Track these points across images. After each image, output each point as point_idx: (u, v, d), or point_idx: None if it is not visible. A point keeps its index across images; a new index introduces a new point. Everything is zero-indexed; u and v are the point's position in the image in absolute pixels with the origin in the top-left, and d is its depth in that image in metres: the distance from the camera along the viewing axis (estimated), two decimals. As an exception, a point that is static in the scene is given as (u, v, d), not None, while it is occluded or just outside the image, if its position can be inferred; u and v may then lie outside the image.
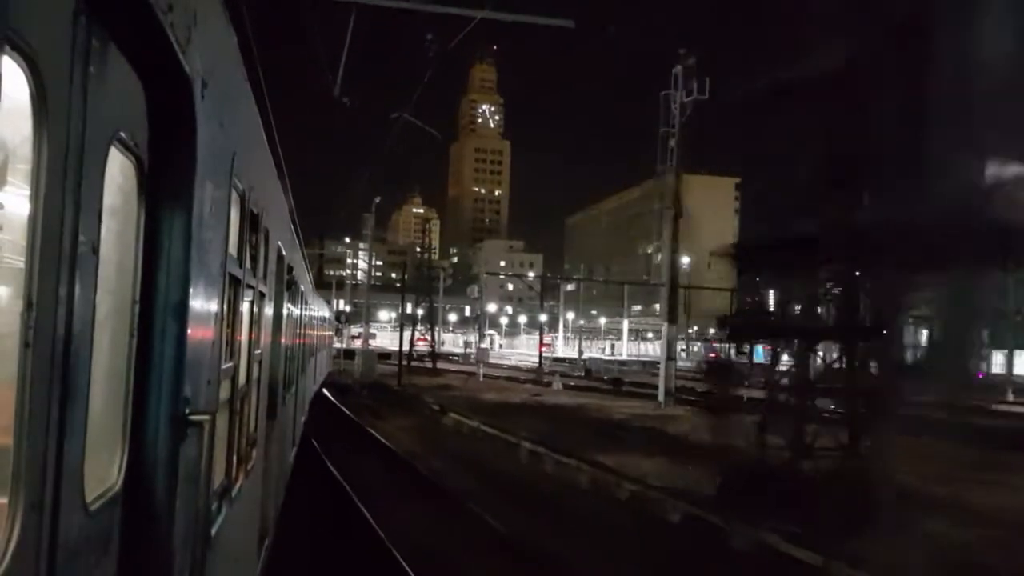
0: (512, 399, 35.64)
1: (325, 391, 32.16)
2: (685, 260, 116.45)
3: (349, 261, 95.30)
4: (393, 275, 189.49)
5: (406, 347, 53.93)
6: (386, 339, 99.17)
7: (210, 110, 2.54)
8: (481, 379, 49.61)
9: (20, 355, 1.39)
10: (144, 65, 2.04)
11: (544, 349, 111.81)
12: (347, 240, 75.04)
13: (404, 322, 54.67)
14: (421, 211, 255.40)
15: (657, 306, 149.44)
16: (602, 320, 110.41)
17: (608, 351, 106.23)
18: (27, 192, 1.41)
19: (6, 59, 1.22)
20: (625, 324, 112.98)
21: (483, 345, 62.03)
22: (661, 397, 32.89)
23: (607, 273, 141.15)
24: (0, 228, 1.38)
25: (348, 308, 79.72)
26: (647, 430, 23.50)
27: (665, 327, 33.34)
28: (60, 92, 1.50)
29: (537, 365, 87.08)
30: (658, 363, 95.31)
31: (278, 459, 7.79)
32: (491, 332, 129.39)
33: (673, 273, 33.70)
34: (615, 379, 49.46)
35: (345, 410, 29.58)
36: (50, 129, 1.44)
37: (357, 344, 70.20)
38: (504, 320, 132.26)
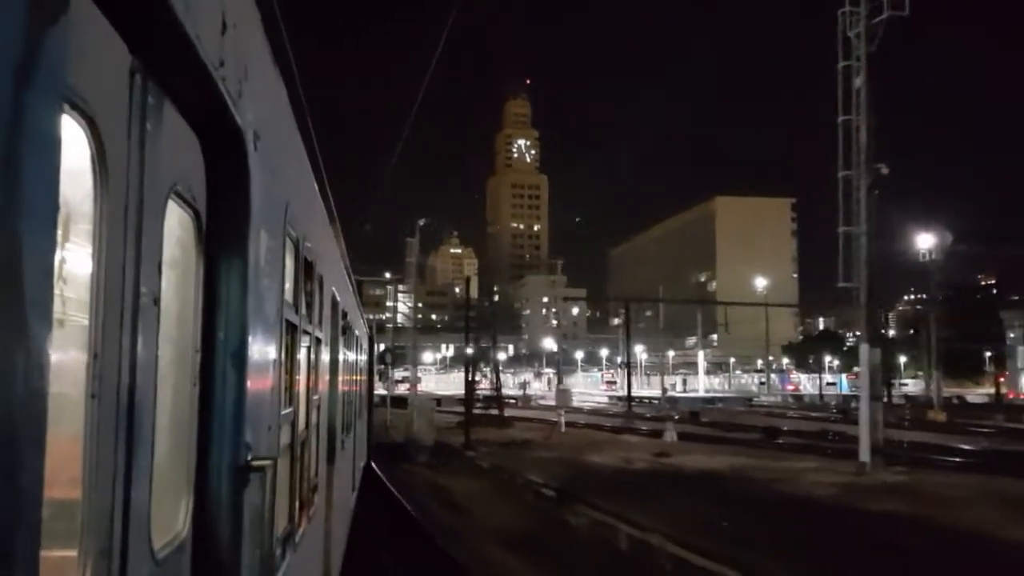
0: (631, 462, 25.48)
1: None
2: (761, 282, 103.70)
3: (388, 303, 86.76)
4: (433, 316, 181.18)
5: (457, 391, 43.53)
6: (431, 382, 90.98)
7: (263, 161, 2.58)
8: (563, 429, 38.17)
9: (87, 406, 1.42)
10: (198, 119, 2.08)
11: (609, 388, 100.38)
12: (387, 275, 65.22)
13: (469, 365, 43.39)
14: (459, 251, 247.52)
15: (715, 336, 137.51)
16: (671, 353, 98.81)
17: (680, 387, 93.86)
18: (90, 247, 1.46)
19: (66, 118, 1.25)
20: (701, 356, 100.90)
21: (563, 387, 50.49)
22: (866, 456, 21.07)
23: (654, 305, 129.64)
24: (65, 282, 1.39)
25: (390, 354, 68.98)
26: (927, 529, 14.60)
27: (865, 351, 21.73)
28: (118, 149, 1.55)
29: (608, 406, 75.83)
30: (749, 399, 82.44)
31: (340, 504, 7.75)
32: (548, 370, 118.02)
33: (870, 273, 21.98)
34: (769, 428, 37.72)
35: (401, 498, 18.12)
36: (110, 185, 1.49)
37: (402, 389, 59.30)
38: (559, 357, 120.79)
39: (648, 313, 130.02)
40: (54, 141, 1.07)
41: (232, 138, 2.25)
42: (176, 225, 2.00)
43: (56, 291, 1.13)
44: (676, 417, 56.87)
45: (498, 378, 49.45)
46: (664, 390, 76.47)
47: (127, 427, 1.59)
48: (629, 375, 58.71)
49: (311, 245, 4.31)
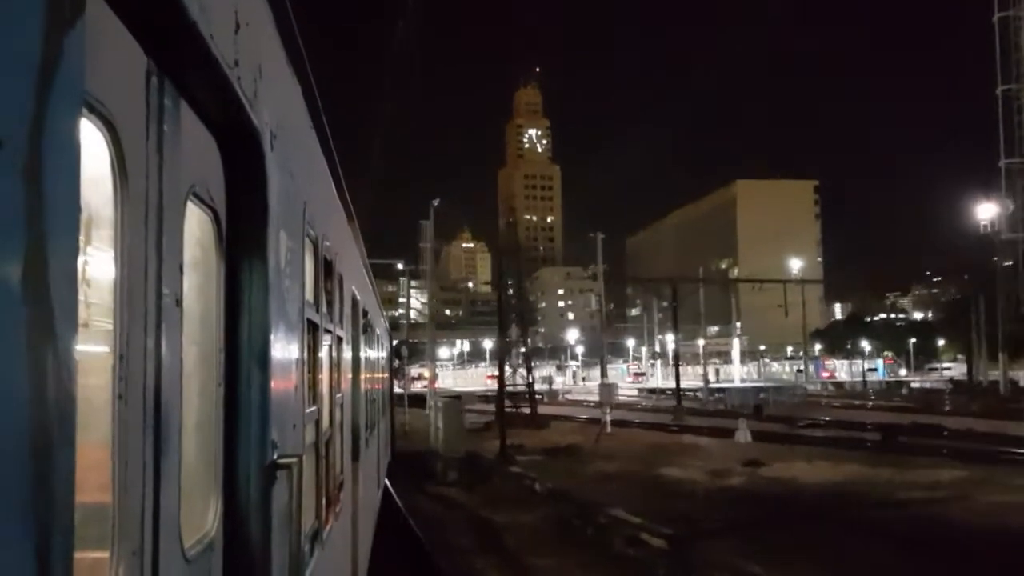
0: (722, 476, 20.63)
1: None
2: (796, 264, 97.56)
3: (401, 299, 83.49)
4: (447, 311, 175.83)
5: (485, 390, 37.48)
6: (448, 378, 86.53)
7: (280, 161, 2.56)
8: (609, 430, 32.34)
9: (113, 408, 1.43)
10: (214, 120, 2.08)
11: (636, 380, 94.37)
12: (399, 266, 60.15)
13: (502, 359, 37.28)
14: (471, 245, 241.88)
15: (739, 324, 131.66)
16: (700, 342, 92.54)
17: (713, 376, 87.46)
18: (111, 250, 1.47)
19: (84, 122, 1.26)
20: (736, 343, 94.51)
21: (609, 380, 44.42)
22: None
23: (674, 294, 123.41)
24: (88, 285, 1.40)
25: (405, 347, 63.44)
26: None
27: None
28: (137, 152, 1.55)
29: (639, 399, 70.02)
30: (804, 388, 75.71)
31: (365, 501, 7.70)
32: (571, 363, 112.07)
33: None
34: (886, 427, 31.39)
35: (433, 556, 12.08)
36: (129, 188, 1.49)
37: (419, 386, 53.49)
38: (580, 349, 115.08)
39: (666, 304, 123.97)
40: (74, 145, 1.07)
41: (249, 138, 2.24)
42: (196, 226, 2.00)
43: (80, 295, 1.12)
44: (718, 408, 50.86)
45: (530, 372, 43.42)
46: (706, 381, 70.25)
47: (154, 428, 1.59)
48: (677, 365, 51.61)
49: (330, 244, 4.32)
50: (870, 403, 54.88)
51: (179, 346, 1.76)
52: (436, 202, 54.25)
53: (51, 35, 0.96)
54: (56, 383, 0.97)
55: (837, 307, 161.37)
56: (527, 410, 40.13)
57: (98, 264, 1.44)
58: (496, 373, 50.00)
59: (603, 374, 46.96)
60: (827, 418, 39.38)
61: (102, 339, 1.44)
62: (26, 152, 0.91)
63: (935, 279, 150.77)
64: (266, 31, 2.54)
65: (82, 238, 1.20)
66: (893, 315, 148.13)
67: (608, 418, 34.97)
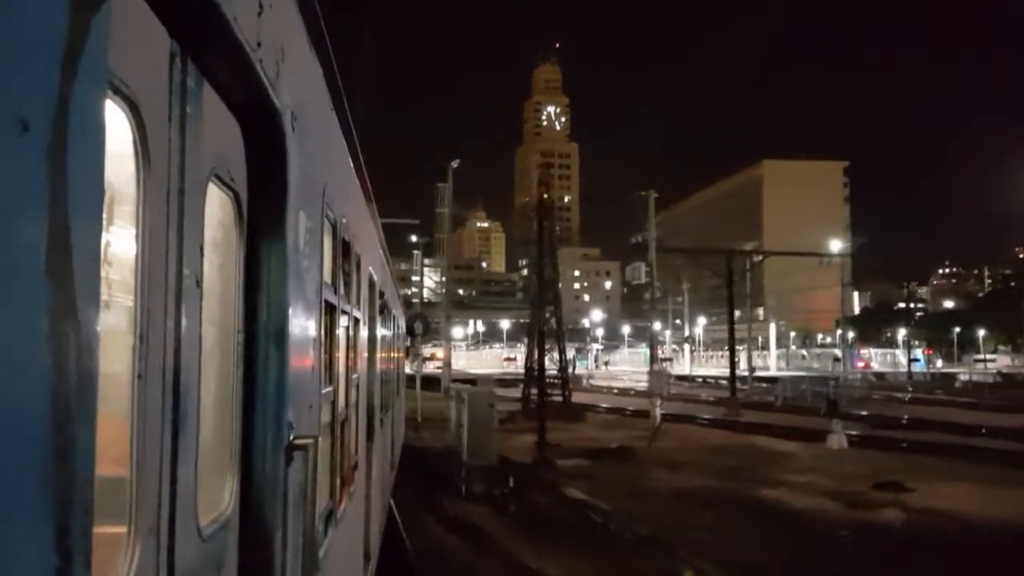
0: (852, 506, 15.35)
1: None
2: (829, 247, 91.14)
3: (415, 277, 79.17)
4: (460, 291, 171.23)
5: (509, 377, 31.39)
6: (461, 360, 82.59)
7: (300, 142, 2.58)
8: (658, 422, 26.90)
9: (133, 387, 1.46)
10: (236, 101, 2.10)
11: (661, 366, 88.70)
12: (414, 238, 55.53)
13: (540, 342, 31.34)
14: (486, 225, 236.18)
15: (761, 311, 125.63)
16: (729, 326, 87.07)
17: (745, 365, 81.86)
18: (133, 230, 1.49)
19: (109, 103, 1.28)
20: (772, 328, 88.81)
21: (659, 366, 38.69)
22: None
23: (694, 279, 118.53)
24: (110, 265, 1.42)
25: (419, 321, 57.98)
26: None
27: None
28: (160, 133, 1.57)
29: (667, 386, 64.08)
30: (845, 378, 69.93)
31: (379, 481, 7.73)
32: (595, 347, 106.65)
33: None
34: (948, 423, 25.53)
35: None
36: (152, 168, 1.51)
37: (431, 367, 48.22)
38: (600, 332, 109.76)
39: (687, 286, 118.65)
40: (98, 126, 1.08)
41: (270, 119, 2.24)
42: (217, 207, 2.01)
43: (102, 275, 1.14)
44: (767, 400, 45.32)
45: (563, 355, 37.77)
46: (751, 369, 64.35)
47: (173, 408, 1.61)
48: (732, 350, 44.46)
49: (348, 225, 4.33)
50: (945, 398, 48.38)
51: (199, 327, 1.77)
52: (455, 163, 48.92)
53: (76, 17, 0.97)
54: (77, 362, 0.98)
55: (855, 296, 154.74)
56: (558, 398, 34.71)
57: (120, 244, 1.44)
58: (512, 356, 44.33)
59: (652, 359, 39.81)
60: (914, 417, 33.42)
61: (123, 319, 1.44)
62: (51, 133, 0.92)
63: (968, 268, 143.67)
64: (288, 11, 2.53)
65: (104, 218, 1.21)
66: (922, 303, 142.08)
67: (659, 412, 29.48)
